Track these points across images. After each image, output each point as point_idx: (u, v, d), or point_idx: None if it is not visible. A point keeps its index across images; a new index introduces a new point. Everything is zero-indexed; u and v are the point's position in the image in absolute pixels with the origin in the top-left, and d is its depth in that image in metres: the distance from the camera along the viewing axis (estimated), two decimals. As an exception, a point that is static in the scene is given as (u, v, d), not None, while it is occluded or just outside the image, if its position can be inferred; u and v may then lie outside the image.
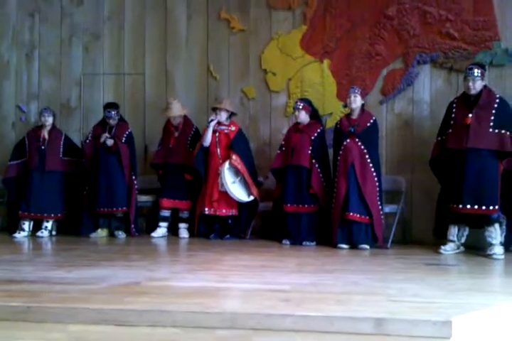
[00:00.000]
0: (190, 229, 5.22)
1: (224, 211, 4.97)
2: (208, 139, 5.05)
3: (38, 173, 5.22)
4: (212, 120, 5.04)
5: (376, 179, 4.52)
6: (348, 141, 4.57)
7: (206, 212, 4.99)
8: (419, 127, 5.07)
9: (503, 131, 4.10)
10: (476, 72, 4.17)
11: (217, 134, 5.08)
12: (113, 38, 5.79)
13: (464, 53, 4.98)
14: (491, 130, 4.10)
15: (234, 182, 4.90)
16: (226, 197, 4.94)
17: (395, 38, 5.17)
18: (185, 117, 5.30)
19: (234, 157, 4.94)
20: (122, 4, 5.78)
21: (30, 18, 5.92)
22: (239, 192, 4.91)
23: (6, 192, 5.49)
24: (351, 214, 4.42)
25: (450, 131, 4.26)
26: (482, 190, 4.05)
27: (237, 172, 4.96)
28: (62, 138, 5.41)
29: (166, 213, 5.27)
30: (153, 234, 5.18)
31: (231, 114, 5.17)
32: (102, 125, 5.34)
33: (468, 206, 4.07)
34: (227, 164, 4.93)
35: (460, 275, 3.58)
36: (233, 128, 5.13)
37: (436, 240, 4.47)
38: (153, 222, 5.33)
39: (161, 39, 5.71)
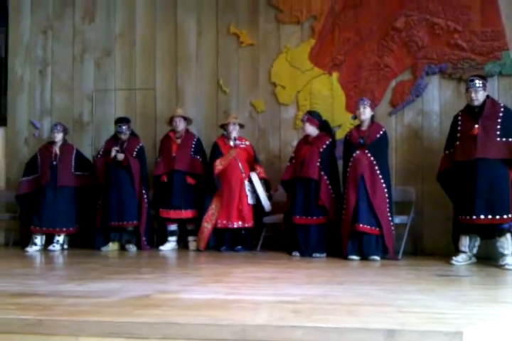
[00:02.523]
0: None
1: (252, 222, 5.06)
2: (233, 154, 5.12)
3: (50, 189, 5.29)
4: (235, 138, 5.13)
5: (386, 190, 4.52)
6: (358, 152, 4.58)
7: (235, 226, 5.03)
8: (429, 138, 5.07)
9: (510, 140, 4.10)
10: (478, 83, 4.19)
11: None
12: (124, 54, 5.89)
13: (473, 64, 4.99)
14: (498, 139, 4.10)
15: (263, 192, 5.05)
16: (251, 209, 5.08)
17: (403, 49, 5.20)
18: (186, 129, 5.40)
19: (261, 170, 5.14)
20: (133, 21, 5.89)
21: (43, 35, 6.06)
22: (268, 202, 5.06)
23: (18, 207, 5.56)
24: (361, 225, 4.41)
25: (457, 143, 4.27)
26: (494, 200, 4.04)
27: (262, 183, 5.12)
28: (74, 152, 5.48)
29: (173, 227, 5.29)
30: (162, 248, 5.20)
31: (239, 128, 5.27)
32: (114, 140, 5.41)
33: (482, 216, 4.04)
34: (256, 176, 5.05)
35: (472, 286, 3.54)
36: (247, 142, 5.25)
37: (447, 251, 4.43)
38: (161, 235, 5.35)
39: (172, 54, 5.79)
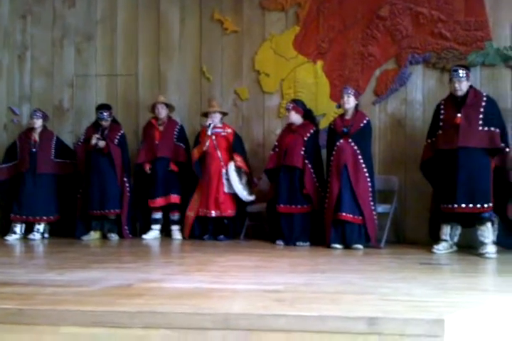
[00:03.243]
0: (181, 231, 5.23)
1: (230, 212, 5.01)
2: (207, 143, 5.05)
3: (29, 176, 5.20)
4: (210, 124, 5.05)
5: (369, 179, 4.53)
6: (341, 141, 4.58)
7: (213, 215, 4.99)
8: (412, 127, 5.09)
9: (492, 129, 4.14)
10: (461, 72, 4.22)
11: (213, 137, 5.09)
12: (105, 40, 5.78)
13: (456, 53, 5.00)
14: (480, 128, 4.14)
15: (240, 183, 4.96)
16: (230, 198, 5.01)
17: (388, 38, 5.18)
18: (168, 116, 5.33)
19: (239, 159, 5.01)
20: (114, 5, 5.76)
21: (22, 19, 5.89)
22: (246, 192, 4.98)
23: (-3, 194, 5.47)
24: (344, 214, 4.43)
25: (440, 132, 4.29)
26: (475, 188, 4.08)
27: (240, 173, 5.03)
28: (54, 140, 5.39)
29: (157, 215, 5.26)
30: (145, 236, 5.17)
31: (223, 115, 5.18)
32: (95, 127, 5.32)
33: (463, 205, 4.09)
34: (233, 166, 4.98)
35: (453, 275, 3.59)
36: (229, 130, 5.16)
37: (429, 240, 4.48)
38: (145, 224, 5.31)
39: (154, 40, 5.69)
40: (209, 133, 5.07)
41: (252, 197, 5.04)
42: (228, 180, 5.00)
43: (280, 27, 5.44)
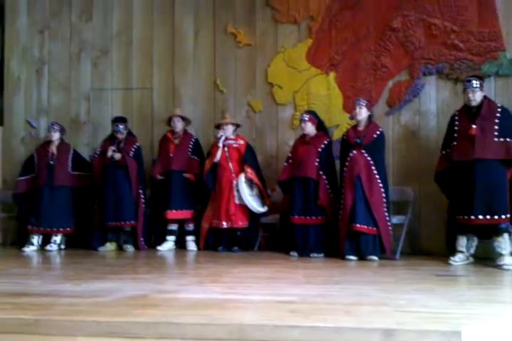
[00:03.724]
0: (196, 242, 5.24)
1: (240, 223, 5.01)
2: (218, 155, 5.09)
3: (47, 188, 5.27)
4: (221, 136, 5.08)
5: (383, 190, 4.51)
6: (355, 152, 4.58)
7: (225, 226, 5.00)
8: (426, 138, 5.07)
9: (508, 140, 4.11)
10: (475, 83, 4.20)
11: (226, 149, 5.13)
12: (121, 54, 5.88)
13: (470, 64, 4.99)
14: (495, 139, 4.11)
15: (251, 195, 4.98)
16: (241, 209, 5.02)
17: (401, 49, 5.20)
18: (184, 129, 5.38)
19: (249, 170, 5.01)
20: (130, 20, 5.88)
21: (39, 34, 6.04)
22: (256, 203, 4.99)
23: (15, 206, 5.54)
24: (358, 225, 4.41)
25: (455, 143, 4.27)
26: (492, 200, 4.04)
27: (251, 184, 5.03)
28: (71, 152, 5.46)
29: (173, 227, 5.28)
30: (160, 248, 5.19)
31: (236, 127, 5.22)
32: (111, 139, 5.39)
33: (480, 216, 4.05)
34: (243, 177, 4.99)
35: (469, 286, 3.54)
36: (241, 142, 5.19)
37: (445, 251, 4.44)
38: (159, 235, 5.34)
39: (169, 54, 5.78)
40: (220, 144, 5.11)
41: (263, 209, 5.03)
42: (239, 191, 5.01)
43: (293, 39, 5.49)
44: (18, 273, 3.85)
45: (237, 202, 5.02)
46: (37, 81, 6.01)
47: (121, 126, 5.34)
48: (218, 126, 5.26)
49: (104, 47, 5.91)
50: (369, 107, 4.71)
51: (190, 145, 5.34)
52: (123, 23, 5.89)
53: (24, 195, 5.40)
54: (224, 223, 5.02)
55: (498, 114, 4.18)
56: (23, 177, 5.44)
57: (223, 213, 5.02)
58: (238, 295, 2.96)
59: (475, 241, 4.29)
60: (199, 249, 5.16)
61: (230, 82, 5.62)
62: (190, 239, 5.26)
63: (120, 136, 5.35)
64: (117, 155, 5.23)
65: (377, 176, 4.51)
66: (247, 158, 5.12)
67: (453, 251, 4.30)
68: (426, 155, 4.96)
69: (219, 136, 5.13)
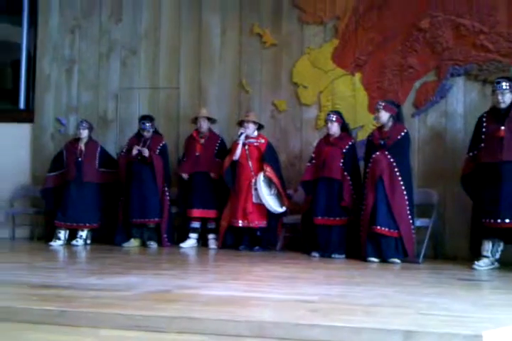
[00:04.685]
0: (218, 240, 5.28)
1: (256, 222, 5.01)
2: (238, 152, 5.10)
3: (75, 184, 5.38)
4: (241, 133, 5.10)
5: (405, 192, 4.45)
6: (378, 153, 4.54)
7: (240, 225, 5.03)
8: (453, 140, 5.01)
9: (536, 143, 4.03)
10: (505, 85, 4.13)
11: (246, 147, 5.15)
12: (149, 54, 5.97)
13: (499, 65, 4.91)
14: (523, 142, 4.04)
15: (269, 194, 4.97)
16: (258, 208, 5.00)
17: (428, 50, 5.15)
18: (210, 129, 5.42)
19: (268, 169, 5.00)
20: (158, 21, 5.96)
21: (70, 34, 6.17)
22: (274, 203, 4.97)
23: (43, 202, 5.67)
24: (379, 227, 4.37)
25: (482, 145, 4.21)
26: (519, 203, 3.97)
27: (270, 183, 5.02)
28: (99, 149, 5.57)
29: (196, 224, 5.34)
30: (182, 245, 5.25)
31: (258, 127, 5.23)
32: (137, 137, 5.48)
33: (507, 220, 3.98)
34: (261, 176, 4.99)
35: (493, 291, 3.48)
36: (262, 140, 5.20)
37: (470, 255, 4.37)
38: (182, 233, 5.39)
39: (195, 54, 5.84)
40: (240, 142, 5.12)
41: (282, 209, 5.00)
42: (257, 190, 5.01)
43: (318, 40, 5.49)
44: (44, 267, 3.94)
45: (254, 201, 5.02)
46: (67, 79, 6.15)
47: (147, 124, 5.42)
48: (241, 123, 5.27)
49: (132, 47, 6.01)
50: (389, 109, 4.61)
51: (217, 147, 5.38)
52: (151, 24, 5.98)
53: (52, 190, 5.52)
54: (240, 221, 5.03)
55: (527, 116, 4.11)
56: (52, 174, 5.57)
57: (240, 211, 5.03)
58: (259, 293, 2.98)
59: (501, 246, 4.21)
60: (218, 247, 5.19)
61: (256, 82, 5.65)
62: (211, 237, 5.31)
63: (147, 134, 5.43)
64: (146, 151, 5.30)
65: (399, 178, 4.46)
66: (267, 156, 5.10)
67: (477, 255, 4.23)
68: (452, 157, 4.90)
69: (239, 133, 5.14)
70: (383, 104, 4.62)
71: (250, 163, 5.11)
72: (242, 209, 5.03)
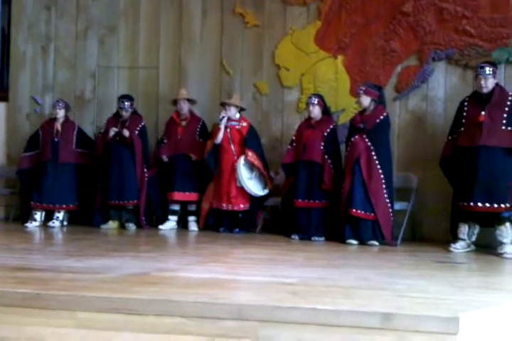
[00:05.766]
0: (197, 222, 5.26)
1: (242, 206, 5.01)
2: (220, 136, 5.05)
3: (51, 165, 5.29)
4: (223, 117, 5.05)
5: (383, 176, 4.46)
6: (356, 137, 4.55)
7: (224, 208, 5.01)
8: (433, 124, 5.03)
9: (516, 129, 4.07)
10: (488, 70, 4.14)
11: (228, 130, 5.10)
12: (128, 32, 5.82)
13: (480, 50, 4.92)
14: (503, 127, 4.08)
15: (250, 178, 4.96)
16: (242, 192, 5.00)
17: (410, 34, 5.12)
18: (190, 111, 5.34)
19: (250, 153, 4.98)
20: (138, -2, 5.81)
21: (46, 11, 5.98)
22: (254, 187, 4.98)
23: (19, 182, 5.56)
24: (354, 210, 4.40)
25: (462, 129, 4.24)
26: (494, 188, 4.02)
27: (251, 167, 5.01)
28: (76, 130, 5.46)
29: (175, 207, 5.30)
30: (161, 227, 5.21)
31: (240, 110, 5.18)
32: (116, 117, 5.38)
33: (480, 204, 4.04)
34: (242, 160, 4.97)
35: (469, 273, 3.55)
36: (244, 123, 5.15)
37: (446, 238, 4.44)
38: (163, 215, 5.36)
39: (176, 33, 5.72)
40: (221, 126, 5.07)
41: (263, 193, 5.00)
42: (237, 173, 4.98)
43: (301, 21, 5.42)
44: (20, 249, 3.88)
45: (238, 184, 5.01)
46: (42, 57, 5.98)
47: (127, 103, 5.32)
48: (223, 104, 5.21)
49: (111, 24, 5.85)
50: (370, 93, 4.58)
51: (198, 129, 5.31)
52: (130, 1, 5.82)
53: (28, 171, 5.41)
54: (224, 205, 5.02)
55: (508, 103, 4.13)
56: (27, 154, 5.46)
57: (224, 195, 5.02)
58: (238, 276, 2.98)
59: (476, 229, 4.28)
60: (199, 229, 5.18)
61: (237, 63, 5.57)
62: (192, 220, 5.28)
63: (125, 114, 5.33)
64: (126, 132, 5.20)
65: (377, 161, 4.46)
66: (249, 140, 5.07)
67: (457, 238, 4.29)
68: (432, 141, 4.93)
69: (221, 117, 5.08)
70: (364, 88, 4.60)
71: (233, 146, 5.08)
72: (225, 192, 5.01)
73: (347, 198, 4.44)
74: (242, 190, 5.01)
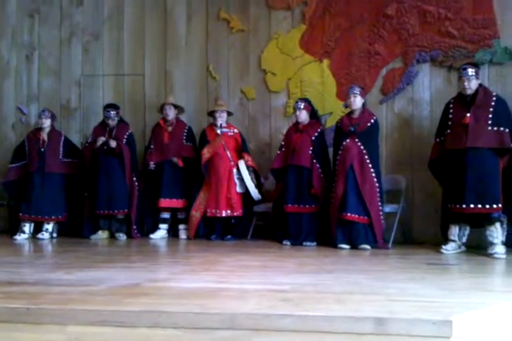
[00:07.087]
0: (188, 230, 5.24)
1: (240, 211, 5.03)
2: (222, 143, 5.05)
3: (38, 175, 5.22)
4: (221, 124, 5.05)
5: (376, 179, 4.50)
6: (348, 140, 4.56)
7: (223, 215, 5.00)
8: (419, 126, 5.07)
9: (501, 129, 4.09)
10: (471, 71, 4.17)
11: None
12: (112, 39, 5.80)
13: (464, 52, 4.97)
14: (489, 128, 4.10)
15: (252, 179, 5.00)
16: (239, 198, 5.03)
17: (394, 37, 5.16)
18: (176, 117, 5.34)
19: (250, 158, 5.06)
20: (121, 5, 5.79)
21: (29, 18, 5.94)
22: (256, 190, 5.00)
23: (6, 194, 5.49)
24: (349, 214, 4.41)
25: (448, 131, 4.26)
26: (484, 189, 4.04)
27: (250, 171, 5.05)
28: (62, 139, 5.41)
29: (165, 215, 5.27)
30: (152, 236, 5.18)
31: (228, 115, 5.19)
32: (103, 126, 5.34)
33: (472, 205, 4.05)
34: (243, 164, 4.98)
35: (461, 275, 3.56)
36: (235, 130, 5.18)
37: (437, 240, 4.45)
38: (153, 224, 5.32)
39: (161, 39, 5.71)
40: (218, 132, 5.06)
41: (260, 196, 5.04)
42: (240, 179, 5.00)
43: (286, 26, 5.43)
44: (9, 262, 3.82)
45: (238, 190, 5.00)
46: (27, 66, 5.93)
47: (112, 113, 5.28)
48: (211, 113, 5.20)
49: (95, 31, 5.82)
50: (363, 94, 4.68)
51: (185, 134, 5.30)
52: (114, 8, 5.80)
53: (15, 182, 5.34)
54: (223, 212, 5.00)
55: (492, 103, 4.16)
56: (14, 165, 5.38)
57: (223, 202, 4.99)
58: (230, 284, 2.96)
59: (467, 230, 4.31)
60: (189, 237, 5.14)
61: (223, 69, 5.57)
62: (182, 228, 5.25)
63: (111, 123, 5.29)
64: (113, 143, 5.17)
65: (369, 165, 4.49)
66: (244, 145, 5.15)
67: (447, 239, 4.31)
68: (419, 143, 4.96)
69: (218, 123, 5.07)
70: (359, 89, 4.63)
71: (228, 153, 5.06)
72: (225, 199, 4.99)
73: (340, 202, 4.43)
74: (240, 195, 5.02)
